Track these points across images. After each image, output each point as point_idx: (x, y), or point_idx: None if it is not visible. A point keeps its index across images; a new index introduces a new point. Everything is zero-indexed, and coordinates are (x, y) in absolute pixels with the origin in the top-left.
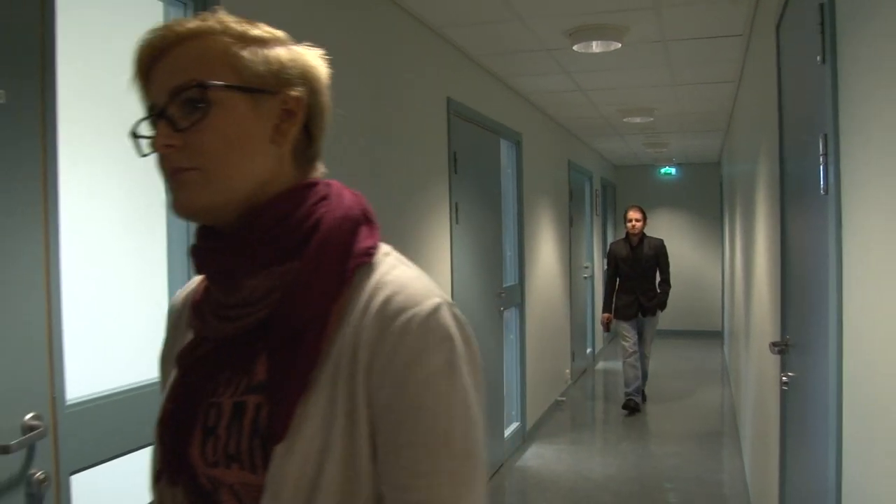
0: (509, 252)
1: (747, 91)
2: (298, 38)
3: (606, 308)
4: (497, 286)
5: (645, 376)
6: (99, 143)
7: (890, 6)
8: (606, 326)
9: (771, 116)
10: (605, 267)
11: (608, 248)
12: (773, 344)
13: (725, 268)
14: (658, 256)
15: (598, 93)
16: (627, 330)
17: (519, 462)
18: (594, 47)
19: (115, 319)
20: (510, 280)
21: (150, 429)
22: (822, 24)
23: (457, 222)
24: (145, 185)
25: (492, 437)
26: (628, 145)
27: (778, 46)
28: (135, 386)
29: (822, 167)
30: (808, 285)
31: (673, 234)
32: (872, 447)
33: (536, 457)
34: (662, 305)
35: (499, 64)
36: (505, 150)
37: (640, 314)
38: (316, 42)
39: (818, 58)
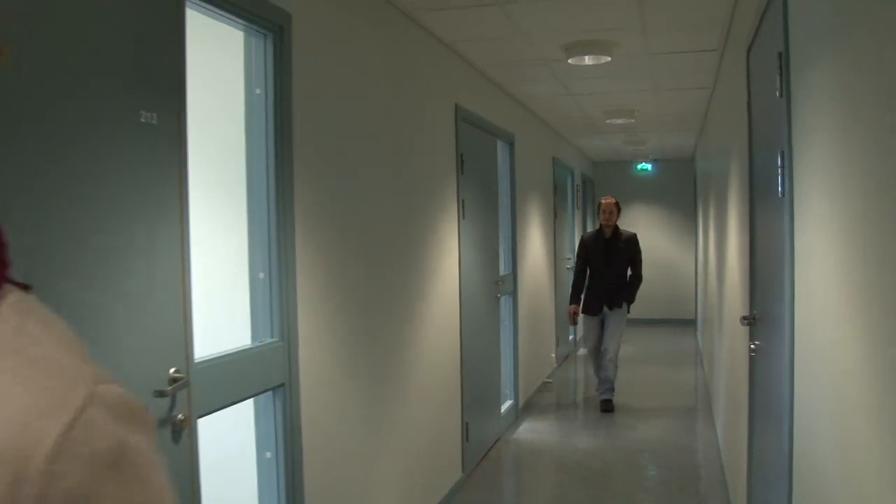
0: (504, 244)
1: (720, 97)
2: (340, 51)
3: (574, 300)
4: (494, 275)
5: (610, 383)
6: (198, 154)
7: (827, 60)
8: (573, 319)
9: (742, 128)
10: (575, 258)
11: (580, 239)
12: (743, 318)
13: (699, 258)
14: (631, 250)
15: (586, 97)
16: (591, 328)
17: (514, 435)
18: (586, 60)
19: (219, 298)
20: (505, 270)
21: (251, 385)
22: (780, 68)
23: (463, 217)
24: (229, 189)
25: (490, 414)
26: (609, 143)
27: (748, 69)
28: (238, 350)
29: (779, 176)
30: (771, 268)
31: (648, 227)
32: (817, 405)
33: (529, 430)
34: (630, 299)
35: (500, 73)
36: (500, 150)
37: (605, 307)
38: (352, 56)
39: (777, 93)
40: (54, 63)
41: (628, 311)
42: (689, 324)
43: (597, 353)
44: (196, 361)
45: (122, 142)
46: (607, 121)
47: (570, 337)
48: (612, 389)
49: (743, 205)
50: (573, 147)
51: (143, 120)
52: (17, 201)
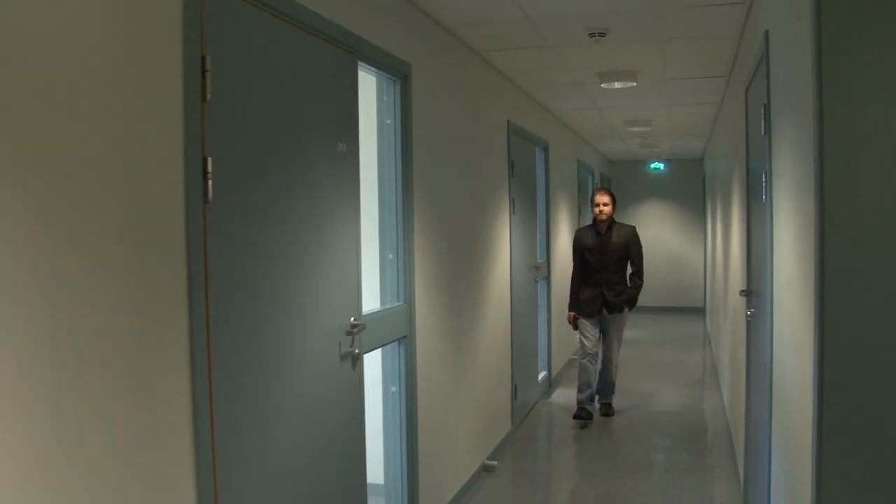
0: (540, 236)
1: (725, 111)
2: (438, 86)
3: (573, 305)
4: (533, 262)
5: (611, 386)
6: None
7: (791, 114)
8: (574, 325)
9: (741, 149)
10: (572, 257)
11: (574, 235)
12: (742, 291)
13: (707, 251)
14: (629, 246)
15: (610, 110)
16: (588, 328)
17: (549, 400)
18: (616, 85)
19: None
20: (541, 258)
21: (390, 334)
22: (764, 115)
23: (513, 213)
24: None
25: (531, 380)
26: (626, 145)
27: (746, 105)
28: (384, 308)
29: (763, 188)
30: (760, 252)
31: (661, 222)
32: (785, 352)
33: (561, 396)
34: (632, 302)
35: (541, 94)
36: (537, 156)
37: (604, 310)
38: (444, 89)
39: (762, 132)
40: (290, 114)
41: (628, 315)
42: (698, 311)
43: (594, 357)
44: (364, 314)
45: (327, 166)
46: (627, 129)
47: None
48: (611, 394)
49: (742, 205)
50: (593, 149)
51: (338, 150)
52: (270, 208)
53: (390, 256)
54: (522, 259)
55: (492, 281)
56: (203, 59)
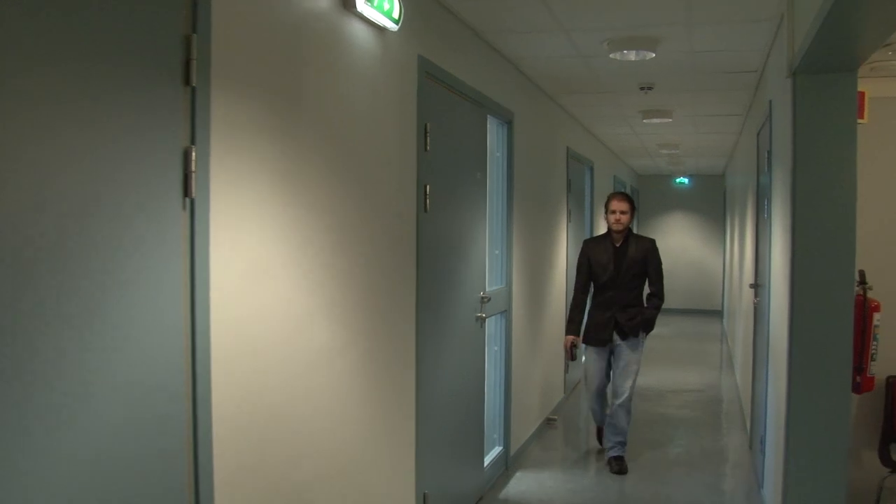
0: None
1: (742, 139)
2: (528, 126)
3: (571, 328)
4: None
5: (622, 434)
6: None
7: (782, 160)
8: (571, 353)
9: (754, 178)
10: (576, 274)
11: (581, 246)
12: (751, 284)
13: (726, 258)
14: (648, 261)
15: (647, 136)
16: (594, 360)
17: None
18: (655, 120)
19: None
20: None
21: (500, 307)
22: (768, 159)
23: (570, 221)
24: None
25: (576, 361)
26: (654, 162)
27: (758, 146)
28: (496, 288)
29: (766, 208)
30: (763, 255)
31: (684, 231)
32: (778, 332)
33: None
34: (649, 325)
35: (593, 124)
36: (585, 174)
37: (615, 337)
38: (531, 127)
39: (766, 169)
40: (458, 154)
41: (644, 341)
42: (717, 314)
43: (602, 397)
44: (487, 291)
45: (472, 188)
46: (659, 150)
47: None
48: (623, 444)
49: (753, 219)
50: (626, 165)
51: (477, 177)
52: (450, 216)
53: (496, 252)
54: (575, 258)
55: (554, 275)
56: (425, 125)
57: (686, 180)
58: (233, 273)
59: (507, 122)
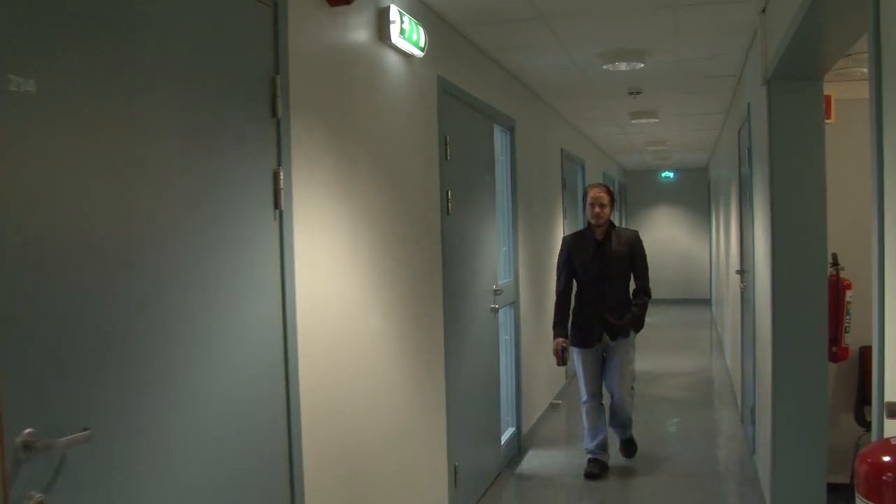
0: None
1: (724, 134)
2: (528, 131)
3: (559, 330)
4: None
5: (628, 420)
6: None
7: (761, 157)
8: (561, 357)
9: (736, 173)
10: (557, 273)
11: (561, 243)
12: (737, 270)
13: (713, 248)
14: (633, 255)
15: (634, 135)
16: (587, 363)
17: None
18: (643, 121)
19: None
20: None
21: (508, 299)
22: (748, 155)
23: (565, 218)
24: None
25: None
26: (642, 158)
27: (739, 143)
28: (505, 281)
29: (748, 199)
30: (748, 242)
31: (671, 224)
32: (762, 314)
33: None
34: (639, 324)
35: (584, 126)
36: (577, 172)
37: (605, 337)
38: (532, 132)
39: (747, 164)
40: (471, 161)
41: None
42: (705, 302)
43: (597, 409)
44: (499, 284)
45: (483, 191)
46: (646, 147)
47: None
48: (628, 426)
49: (737, 209)
50: (614, 161)
51: (486, 179)
52: (468, 217)
53: (504, 248)
54: None
55: (552, 268)
56: (445, 137)
57: (671, 174)
58: (309, 269)
59: (510, 128)
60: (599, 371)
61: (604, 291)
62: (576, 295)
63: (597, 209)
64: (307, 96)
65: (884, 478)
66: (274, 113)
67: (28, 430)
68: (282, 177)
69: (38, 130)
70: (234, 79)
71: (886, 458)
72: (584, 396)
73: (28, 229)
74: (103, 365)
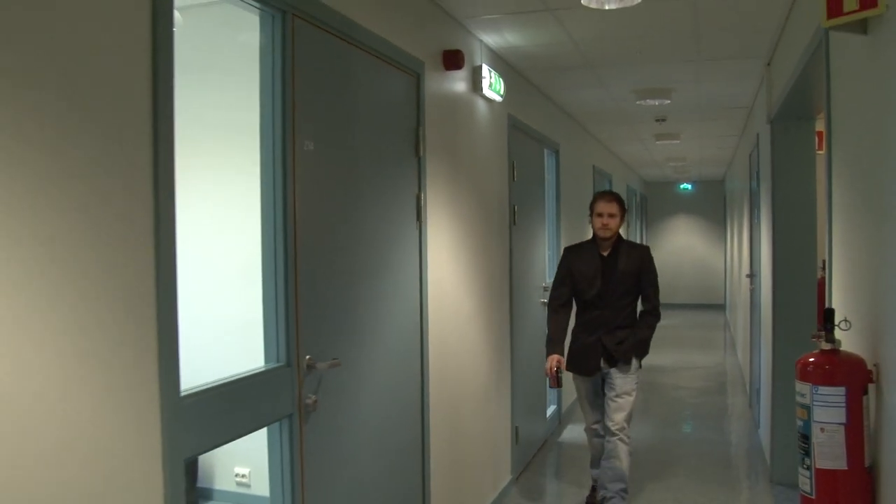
0: None
1: (739, 152)
2: (565, 152)
3: (555, 347)
4: None
5: (620, 482)
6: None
7: (765, 181)
8: (555, 378)
9: (747, 187)
10: (554, 285)
11: (562, 253)
12: (747, 274)
13: (727, 256)
14: (641, 273)
15: (657, 151)
16: (587, 393)
17: None
18: (666, 141)
19: None
20: None
21: None
22: (757, 177)
23: None
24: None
25: None
26: (661, 171)
27: (749, 164)
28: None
29: (757, 214)
30: (756, 248)
31: (689, 233)
32: (765, 310)
33: None
34: (641, 349)
35: (612, 144)
36: (605, 185)
37: (603, 364)
38: (566, 152)
39: (756, 184)
40: (528, 183)
41: (640, 366)
42: (719, 307)
43: (599, 438)
44: (546, 281)
45: (539, 205)
46: (668, 163)
47: None
48: (625, 491)
49: (748, 220)
50: (636, 174)
51: (540, 195)
52: (525, 227)
53: (549, 252)
54: None
55: None
56: (512, 162)
57: (689, 186)
58: (434, 263)
59: (555, 151)
60: (600, 402)
61: (606, 313)
62: (575, 314)
63: (605, 219)
64: (432, 138)
65: (808, 368)
66: (416, 153)
67: (308, 357)
68: (422, 199)
69: (316, 174)
70: (397, 131)
71: (811, 359)
72: (587, 423)
73: (321, 236)
74: (344, 319)
